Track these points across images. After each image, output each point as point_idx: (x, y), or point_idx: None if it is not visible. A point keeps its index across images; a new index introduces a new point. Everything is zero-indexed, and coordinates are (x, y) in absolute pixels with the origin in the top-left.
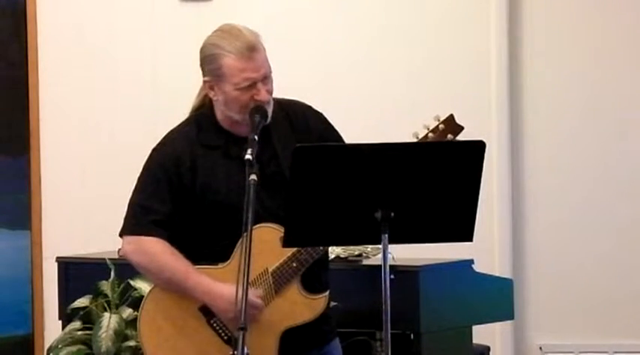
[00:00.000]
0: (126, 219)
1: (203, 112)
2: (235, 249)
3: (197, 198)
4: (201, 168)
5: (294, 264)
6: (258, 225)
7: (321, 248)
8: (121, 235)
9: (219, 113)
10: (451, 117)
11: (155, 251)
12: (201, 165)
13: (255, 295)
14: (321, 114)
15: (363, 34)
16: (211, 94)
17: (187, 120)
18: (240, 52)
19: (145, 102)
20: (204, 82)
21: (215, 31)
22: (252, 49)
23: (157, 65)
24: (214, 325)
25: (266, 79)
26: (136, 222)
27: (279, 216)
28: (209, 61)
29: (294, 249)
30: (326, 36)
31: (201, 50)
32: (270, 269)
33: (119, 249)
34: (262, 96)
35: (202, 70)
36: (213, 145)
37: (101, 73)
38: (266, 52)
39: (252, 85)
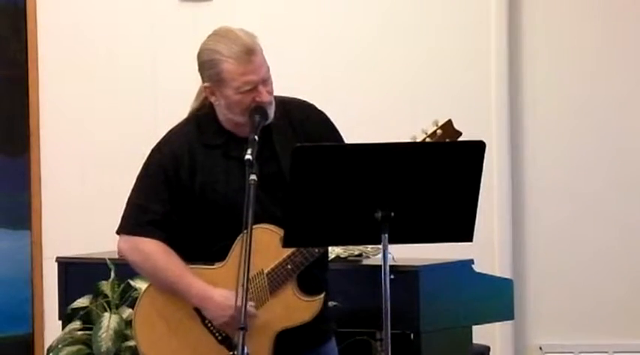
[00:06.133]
0: (123, 217)
1: (204, 112)
2: (232, 249)
3: (196, 198)
4: (200, 168)
5: (289, 266)
6: (255, 226)
7: (317, 250)
8: (118, 233)
9: (222, 116)
10: (449, 123)
11: (150, 251)
12: (201, 165)
13: (248, 304)
14: (323, 113)
15: (362, 34)
16: (212, 99)
17: (187, 119)
18: (238, 57)
19: (145, 102)
20: (205, 87)
21: (211, 36)
22: (250, 53)
23: (157, 65)
24: (208, 325)
25: (266, 80)
26: (133, 222)
27: (276, 217)
28: (208, 67)
29: (290, 251)
30: (325, 36)
31: (199, 55)
32: (265, 271)
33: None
34: (263, 97)
35: (201, 75)
36: (214, 145)
37: (101, 72)
38: (263, 53)
39: (253, 87)
